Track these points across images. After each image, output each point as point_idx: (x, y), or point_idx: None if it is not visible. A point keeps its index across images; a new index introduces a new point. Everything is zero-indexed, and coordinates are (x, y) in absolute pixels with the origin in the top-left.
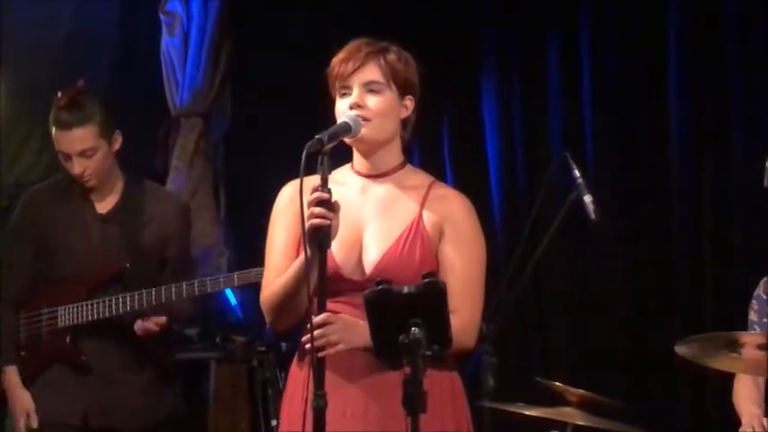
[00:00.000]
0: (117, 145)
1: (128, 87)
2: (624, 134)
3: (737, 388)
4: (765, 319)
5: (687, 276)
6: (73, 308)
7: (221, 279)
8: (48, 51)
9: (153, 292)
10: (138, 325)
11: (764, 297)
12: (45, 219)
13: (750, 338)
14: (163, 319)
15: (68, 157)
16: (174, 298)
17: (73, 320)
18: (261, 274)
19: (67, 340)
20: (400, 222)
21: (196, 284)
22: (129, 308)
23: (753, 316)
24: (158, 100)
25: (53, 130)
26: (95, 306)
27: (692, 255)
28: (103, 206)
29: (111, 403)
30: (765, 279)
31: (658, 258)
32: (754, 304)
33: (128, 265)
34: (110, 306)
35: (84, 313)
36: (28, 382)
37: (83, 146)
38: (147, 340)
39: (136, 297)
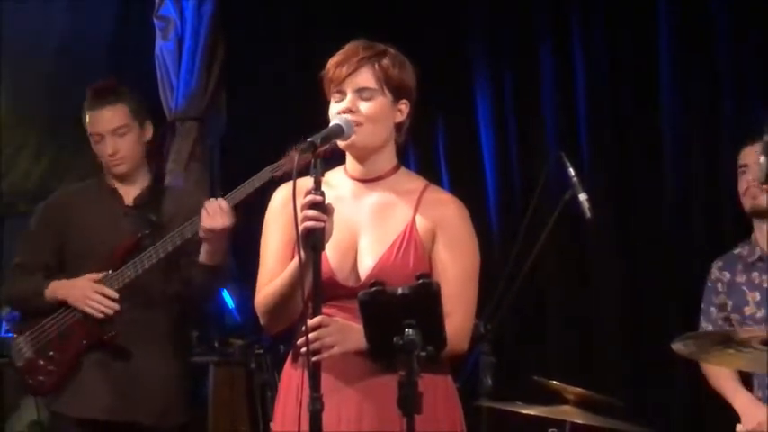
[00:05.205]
0: (148, 134)
1: None
2: (618, 132)
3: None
4: (712, 308)
5: (683, 273)
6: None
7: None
8: (42, 62)
9: (171, 236)
10: (204, 224)
11: (709, 285)
12: (72, 219)
13: (749, 334)
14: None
15: (101, 137)
16: (187, 235)
17: None
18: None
19: (94, 322)
20: (394, 228)
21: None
22: (153, 260)
23: (702, 305)
24: (153, 104)
25: (87, 117)
26: (119, 274)
27: (688, 252)
28: (130, 199)
29: (136, 399)
30: (712, 267)
31: (655, 256)
32: (704, 293)
33: (146, 231)
34: (135, 267)
35: (110, 284)
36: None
37: (115, 123)
38: (215, 242)
39: (152, 251)
